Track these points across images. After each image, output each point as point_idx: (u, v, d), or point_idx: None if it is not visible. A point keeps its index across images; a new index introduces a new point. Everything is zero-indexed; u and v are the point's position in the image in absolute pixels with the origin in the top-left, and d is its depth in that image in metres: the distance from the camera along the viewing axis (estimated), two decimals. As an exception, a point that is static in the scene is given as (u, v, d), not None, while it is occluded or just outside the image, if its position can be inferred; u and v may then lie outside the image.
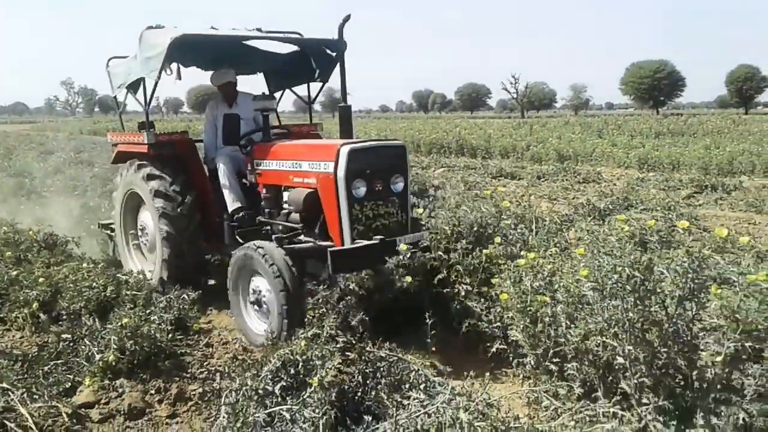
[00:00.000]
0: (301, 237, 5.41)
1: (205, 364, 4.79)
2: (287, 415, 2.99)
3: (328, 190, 5.14)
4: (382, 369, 3.90)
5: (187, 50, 6.81)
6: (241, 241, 6.03)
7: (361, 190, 5.14)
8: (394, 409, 3.24)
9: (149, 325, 4.81)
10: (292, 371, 3.77)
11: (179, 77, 6.24)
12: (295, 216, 5.59)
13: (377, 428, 3.07)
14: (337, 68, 5.99)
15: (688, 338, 3.24)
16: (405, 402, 3.37)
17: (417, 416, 3.00)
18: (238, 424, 2.92)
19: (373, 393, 3.68)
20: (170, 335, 4.97)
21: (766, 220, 9.95)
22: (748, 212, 10.78)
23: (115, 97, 7.27)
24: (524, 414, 3.79)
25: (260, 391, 3.44)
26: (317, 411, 2.97)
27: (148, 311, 5.31)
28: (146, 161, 6.56)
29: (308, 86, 7.67)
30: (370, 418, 3.21)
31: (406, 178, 5.43)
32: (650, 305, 3.30)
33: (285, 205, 5.80)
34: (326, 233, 5.27)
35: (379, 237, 5.02)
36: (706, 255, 3.22)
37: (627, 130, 33.58)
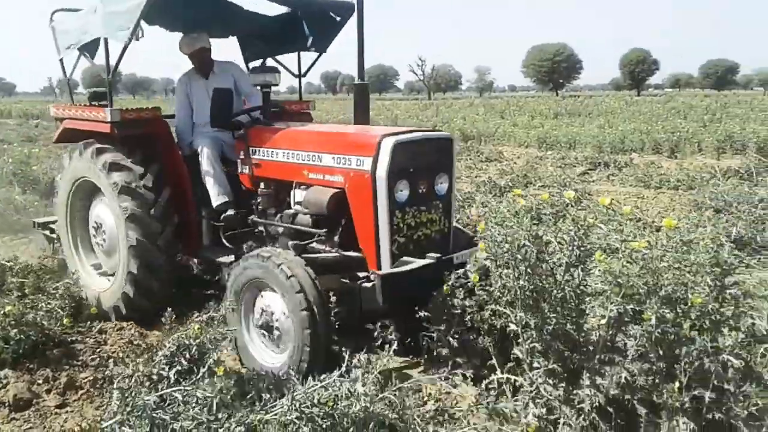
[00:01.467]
0: (313, 245, 4.49)
1: (98, 351, 4.59)
2: (179, 397, 2.91)
3: (361, 192, 4.14)
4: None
5: (161, 5, 5.19)
6: (228, 245, 5.09)
7: (404, 193, 4.16)
8: (292, 384, 3.22)
9: (36, 313, 4.55)
10: (187, 355, 3.68)
11: (141, 35, 4.96)
12: (305, 219, 4.60)
13: (275, 405, 3.03)
14: (339, 36, 5.62)
15: (576, 304, 3.38)
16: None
17: (314, 390, 2.99)
18: (128, 408, 2.82)
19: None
20: (60, 323, 4.72)
21: (653, 194, 10.53)
22: (637, 187, 11.37)
23: (61, 59, 5.90)
24: (431, 389, 3.85)
25: (153, 376, 3.33)
26: (210, 391, 2.90)
27: (33, 298, 5.00)
28: (106, 144, 5.21)
29: (299, 56, 6.46)
30: (268, 396, 3.17)
31: (452, 177, 4.48)
32: (541, 273, 3.42)
33: (295, 206, 4.69)
34: (350, 243, 4.33)
35: (435, 255, 4.06)
36: (591, 224, 3.35)
37: (528, 111, 34.76)
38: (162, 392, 3.02)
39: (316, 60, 6.42)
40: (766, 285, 4.47)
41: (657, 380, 3.20)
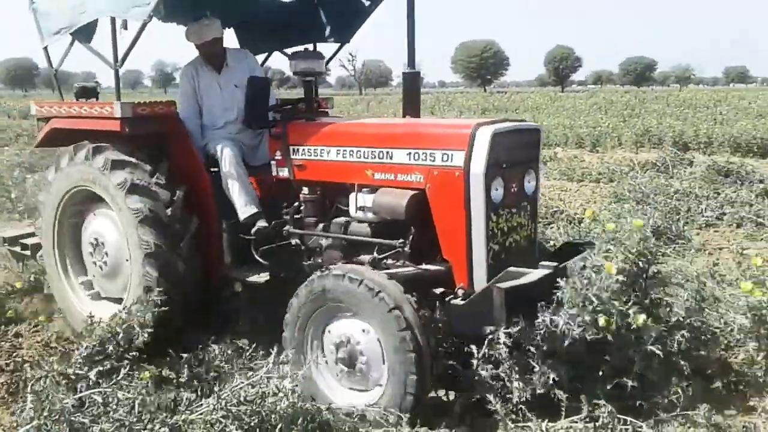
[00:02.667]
0: (387, 260, 3.87)
1: (14, 355, 4.39)
2: (99, 399, 2.82)
3: (449, 193, 3.57)
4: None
5: None
6: (262, 261, 4.34)
7: (499, 193, 3.60)
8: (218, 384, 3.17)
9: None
10: (110, 349, 3.58)
11: (125, 27, 4.19)
12: (363, 227, 3.97)
13: (200, 404, 2.97)
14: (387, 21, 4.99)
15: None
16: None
17: (240, 388, 2.94)
18: (44, 413, 2.70)
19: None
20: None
21: (576, 186, 10.87)
22: (561, 180, 11.71)
23: (45, 48, 4.91)
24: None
25: (72, 377, 3.21)
26: (132, 392, 2.82)
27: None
28: (108, 143, 4.41)
29: (314, 48, 5.54)
30: (194, 396, 3.11)
31: (539, 175, 3.96)
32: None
33: (357, 212, 3.98)
34: (421, 254, 3.78)
35: (550, 264, 3.49)
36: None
37: (456, 107, 35.23)
38: (81, 394, 2.91)
39: (336, 52, 5.61)
40: (682, 273, 4.71)
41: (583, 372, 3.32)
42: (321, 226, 4.20)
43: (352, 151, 3.99)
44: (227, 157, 4.50)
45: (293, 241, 4.30)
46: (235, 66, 4.98)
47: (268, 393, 2.93)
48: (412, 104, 4.39)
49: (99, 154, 4.36)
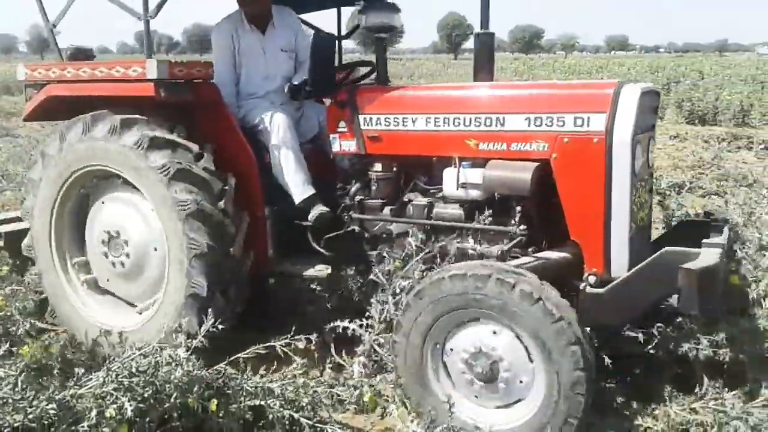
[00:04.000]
0: (471, 243, 3.45)
1: None
2: (-25, 379, 2.66)
3: (584, 162, 3.10)
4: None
5: None
6: (324, 251, 3.83)
7: (639, 163, 3.15)
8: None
9: None
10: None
11: None
12: (453, 209, 3.53)
13: (90, 378, 2.86)
14: None
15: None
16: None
17: (132, 359, 2.86)
18: None
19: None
20: None
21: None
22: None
23: None
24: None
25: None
26: (14, 369, 2.68)
27: None
28: (140, 115, 3.67)
29: (338, 13, 5.17)
30: (82, 371, 2.99)
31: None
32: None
33: (458, 189, 3.44)
34: (540, 235, 3.40)
35: (715, 241, 3.06)
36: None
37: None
38: (-45, 376, 2.73)
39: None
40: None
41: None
42: (391, 208, 3.74)
43: (448, 118, 3.45)
44: (279, 128, 3.89)
45: (354, 228, 3.83)
46: (281, 27, 4.38)
47: (162, 363, 2.86)
48: (485, 68, 3.84)
49: (130, 129, 3.59)
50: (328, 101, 4.00)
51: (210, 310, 3.24)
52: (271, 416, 2.89)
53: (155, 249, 3.76)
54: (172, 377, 2.82)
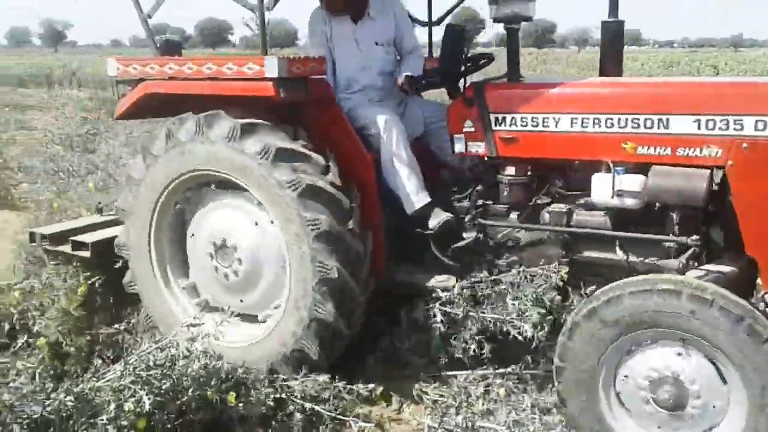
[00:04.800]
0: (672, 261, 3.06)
1: None
2: (-4, 370, 2.68)
3: (766, 171, 2.81)
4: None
5: None
6: (447, 261, 3.54)
7: None
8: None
9: None
10: (6, 326, 3.39)
11: None
12: (598, 217, 3.23)
13: (108, 371, 2.87)
14: None
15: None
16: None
17: (149, 352, 2.87)
18: (-64, 389, 2.55)
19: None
20: None
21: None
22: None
23: None
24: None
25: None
26: (33, 361, 2.69)
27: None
28: (249, 112, 3.39)
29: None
30: (101, 362, 3.01)
31: None
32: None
33: (614, 198, 3.12)
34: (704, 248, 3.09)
35: None
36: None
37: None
38: (-24, 367, 2.76)
39: (459, 4, 4.79)
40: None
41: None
42: (522, 215, 3.45)
43: (599, 119, 3.14)
44: (392, 131, 3.59)
45: (474, 236, 3.53)
46: (380, 16, 4.01)
47: (178, 356, 2.87)
48: (614, 60, 3.53)
49: (251, 135, 3.28)
50: (425, 96, 3.87)
51: (333, 336, 3.20)
52: (291, 407, 2.90)
53: (269, 260, 3.48)
54: (189, 370, 2.85)
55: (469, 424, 2.90)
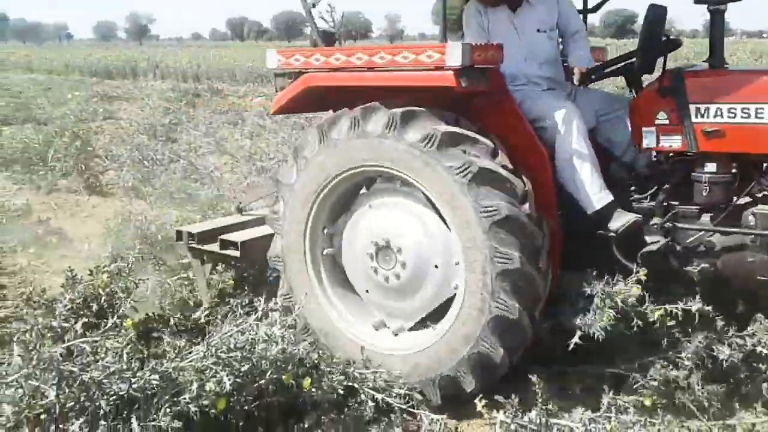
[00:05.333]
0: None
1: (-4, 309, 4.36)
2: (87, 348, 2.80)
3: None
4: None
5: None
6: (631, 266, 3.17)
7: None
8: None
9: None
10: (95, 307, 3.54)
11: None
12: None
13: (191, 352, 2.97)
14: None
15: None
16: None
17: (230, 335, 2.94)
18: (33, 362, 2.68)
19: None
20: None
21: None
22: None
23: None
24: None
25: (58, 330, 3.19)
26: (121, 341, 2.81)
27: None
28: (431, 110, 3.12)
29: None
30: (183, 343, 3.11)
31: None
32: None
33: None
34: None
35: None
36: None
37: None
38: (69, 343, 2.89)
39: None
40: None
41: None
42: (717, 217, 3.16)
43: None
44: (573, 126, 3.32)
45: (663, 240, 3.23)
46: (537, 3, 3.77)
47: (258, 339, 2.93)
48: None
49: (413, 122, 3.06)
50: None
51: (516, 334, 2.96)
52: (362, 396, 2.92)
53: (435, 259, 3.21)
54: (268, 354, 2.90)
55: (543, 420, 2.84)
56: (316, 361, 3.04)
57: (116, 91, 19.86)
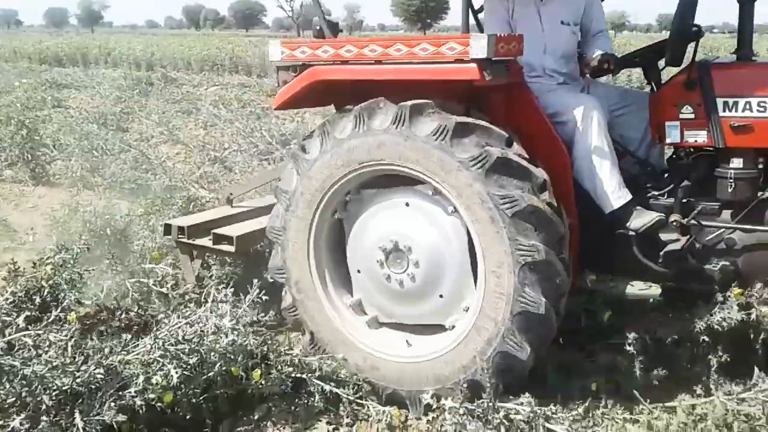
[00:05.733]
0: None
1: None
2: (29, 341, 2.74)
3: None
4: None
5: None
6: (655, 267, 3.15)
7: None
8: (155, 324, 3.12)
9: None
10: (38, 300, 3.45)
11: None
12: None
13: (137, 344, 2.92)
14: None
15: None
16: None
17: (178, 327, 2.91)
18: (-29, 357, 2.61)
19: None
20: None
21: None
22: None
23: None
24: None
25: (-1, 323, 3.10)
26: (65, 334, 2.75)
27: None
28: (439, 102, 2.96)
29: None
30: (129, 336, 3.05)
31: None
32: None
33: None
34: None
35: None
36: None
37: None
38: (10, 337, 2.82)
39: None
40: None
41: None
42: (739, 214, 3.09)
43: None
44: (593, 121, 3.19)
45: (685, 238, 3.16)
46: None
47: (207, 331, 2.91)
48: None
49: (422, 116, 2.92)
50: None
51: (543, 329, 2.83)
52: (311, 387, 2.92)
53: (451, 258, 3.05)
54: (217, 346, 2.88)
55: (491, 404, 2.83)
56: (265, 353, 3.02)
57: (66, 78, 19.29)
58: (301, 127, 9.29)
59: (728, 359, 3.18)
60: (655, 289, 3.12)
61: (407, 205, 3.12)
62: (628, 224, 3.16)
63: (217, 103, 12.51)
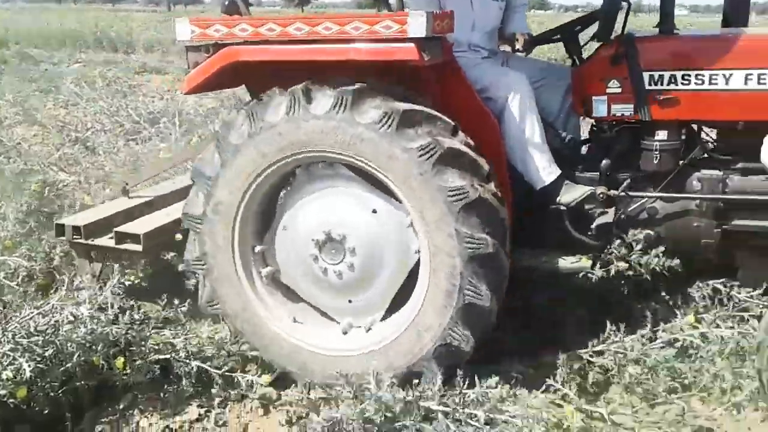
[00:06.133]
0: None
1: None
2: None
3: None
4: None
5: None
6: (587, 240, 3.18)
7: None
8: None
9: None
10: None
11: None
12: (763, 184, 3.02)
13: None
14: None
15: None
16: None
17: (30, 318, 2.74)
18: None
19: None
20: None
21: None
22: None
23: None
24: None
25: None
26: None
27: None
28: (383, 86, 2.83)
29: None
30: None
31: None
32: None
33: None
34: None
35: None
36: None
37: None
38: None
39: None
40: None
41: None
42: (662, 184, 3.13)
43: None
44: (520, 96, 3.14)
45: (614, 210, 3.21)
46: None
47: (62, 321, 2.75)
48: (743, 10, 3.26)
49: (365, 102, 2.74)
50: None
51: (484, 320, 2.79)
52: (178, 370, 2.85)
53: (388, 251, 2.95)
54: (74, 336, 2.75)
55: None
56: (129, 339, 2.90)
57: None
58: (170, 105, 8.93)
59: (586, 316, 3.40)
60: (585, 261, 3.14)
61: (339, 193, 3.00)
62: (559, 199, 3.18)
63: (80, 81, 11.75)
